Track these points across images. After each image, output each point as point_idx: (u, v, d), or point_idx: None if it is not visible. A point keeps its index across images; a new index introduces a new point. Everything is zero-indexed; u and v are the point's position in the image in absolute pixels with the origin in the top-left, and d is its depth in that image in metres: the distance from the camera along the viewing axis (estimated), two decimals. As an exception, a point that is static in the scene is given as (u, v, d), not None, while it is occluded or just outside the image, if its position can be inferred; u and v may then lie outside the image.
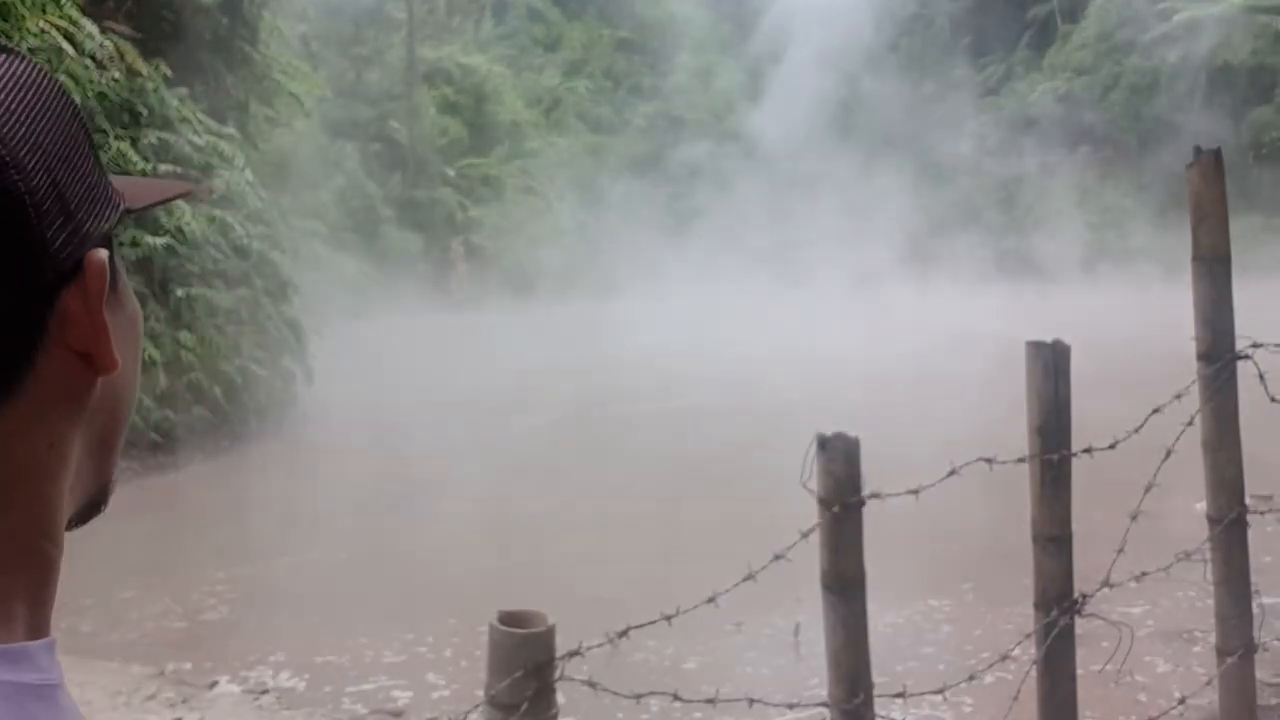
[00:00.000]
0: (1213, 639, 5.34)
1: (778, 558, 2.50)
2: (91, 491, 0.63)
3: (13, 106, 0.54)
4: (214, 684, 4.82)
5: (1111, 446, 2.84)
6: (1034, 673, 2.81)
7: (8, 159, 0.53)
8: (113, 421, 0.62)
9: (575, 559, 7.14)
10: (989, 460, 2.72)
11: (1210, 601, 5.91)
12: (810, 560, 2.61)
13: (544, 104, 38.95)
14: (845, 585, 2.61)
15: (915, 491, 2.66)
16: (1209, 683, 3.28)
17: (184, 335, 11.46)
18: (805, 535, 2.56)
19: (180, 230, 11.88)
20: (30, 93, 0.56)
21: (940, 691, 2.74)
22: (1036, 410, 2.80)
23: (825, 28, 38.25)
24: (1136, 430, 2.85)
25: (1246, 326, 2.99)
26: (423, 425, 12.64)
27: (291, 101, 18.52)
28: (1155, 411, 2.88)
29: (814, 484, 2.60)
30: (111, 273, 0.59)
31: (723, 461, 10.46)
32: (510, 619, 2.21)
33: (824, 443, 2.60)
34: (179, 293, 11.69)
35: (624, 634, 2.33)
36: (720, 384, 15.67)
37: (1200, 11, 32.78)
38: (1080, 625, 3.07)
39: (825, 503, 2.57)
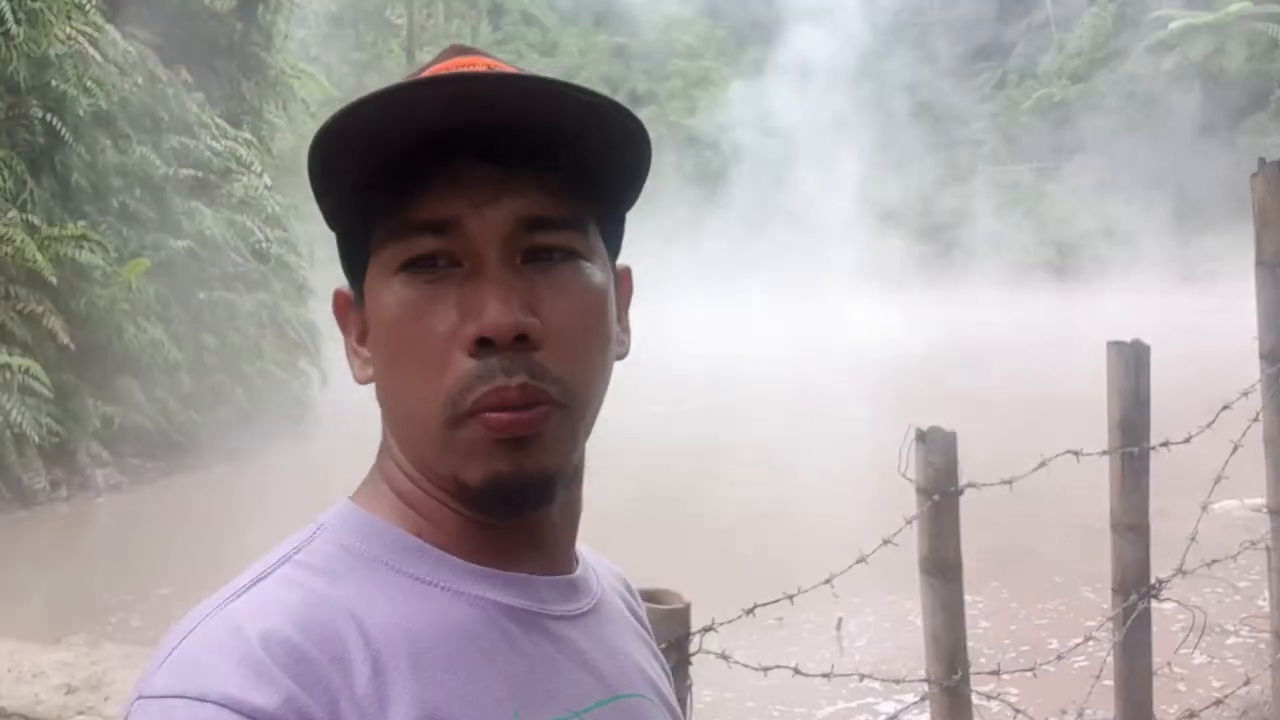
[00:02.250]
0: (1245, 633, 5.50)
1: (886, 542, 2.65)
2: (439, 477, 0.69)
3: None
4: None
5: (1186, 440, 3.01)
6: (1112, 655, 2.97)
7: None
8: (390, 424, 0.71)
9: (669, 544, 7.30)
10: (1076, 453, 2.88)
11: (1239, 598, 6.09)
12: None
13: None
14: (944, 569, 2.76)
15: (1009, 482, 2.82)
16: (1269, 668, 3.45)
17: (206, 338, 11.57)
18: (910, 522, 2.72)
19: (201, 234, 12.00)
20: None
21: (1031, 669, 2.89)
22: (1118, 406, 2.96)
23: (820, 36, 38.52)
24: (1209, 425, 3.01)
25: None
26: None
27: (301, 106, 18.65)
28: (1225, 408, 3.04)
29: (912, 473, 2.75)
30: (356, 291, 0.71)
31: (778, 456, 10.63)
32: (648, 596, 2.36)
33: (923, 436, 2.76)
34: (201, 296, 11.80)
35: (751, 611, 2.48)
36: (756, 384, 15.83)
37: (1195, 19, 33.13)
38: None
39: (925, 492, 2.73)
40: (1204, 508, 3.08)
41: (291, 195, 14.97)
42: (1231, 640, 5.45)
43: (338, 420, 13.02)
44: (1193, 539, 3.05)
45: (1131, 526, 2.98)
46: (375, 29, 35.95)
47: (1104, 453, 2.93)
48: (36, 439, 9.51)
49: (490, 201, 0.64)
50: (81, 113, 10.87)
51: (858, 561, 2.63)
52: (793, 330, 22.38)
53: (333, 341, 14.38)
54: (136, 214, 11.46)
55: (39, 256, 10.01)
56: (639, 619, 0.84)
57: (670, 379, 16.67)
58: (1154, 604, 2.98)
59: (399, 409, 0.68)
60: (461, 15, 42.31)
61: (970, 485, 2.76)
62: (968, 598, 6.13)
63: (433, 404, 0.64)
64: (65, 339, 10.10)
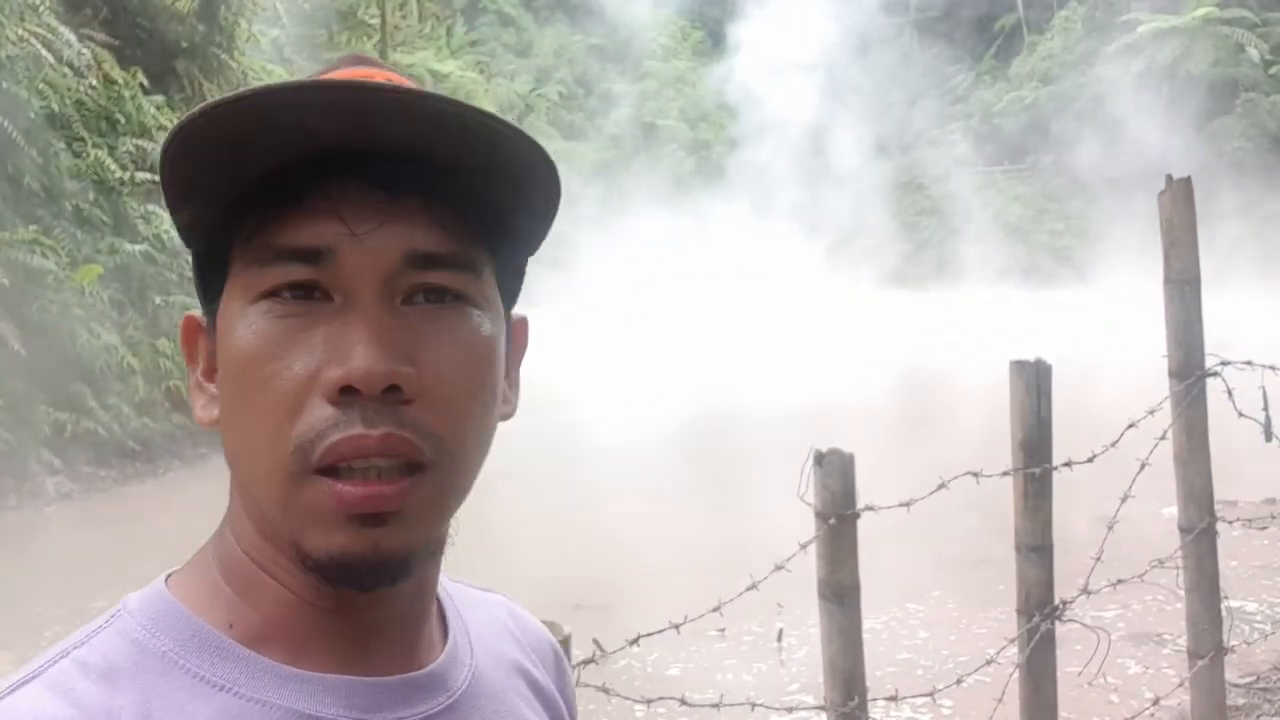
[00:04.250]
0: (1182, 642, 5.54)
1: (779, 568, 2.62)
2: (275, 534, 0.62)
3: None
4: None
5: (1090, 460, 3.00)
6: (1016, 676, 2.96)
7: None
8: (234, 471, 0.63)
9: (563, 565, 7.25)
10: (976, 474, 2.87)
11: (1179, 606, 6.13)
12: (794, 568, 2.73)
13: (516, 110, 39.01)
14: (841, 594, 2.74)
15: (907, 504, 2.80)
16: (1180, 684, 3.45)
17: (163, 343, 11.45)
18: (804, 547, 2.69)
19: (159, 238, 11.88)
20: None
21: (930, 694, 2.88)
22: (1020, 426, 2.95)
23: (795, 37, 38.62)
24: (1113, 444, 3.01)
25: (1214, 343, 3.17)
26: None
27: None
28: (1131, 426, 3.04)
29: (810, 497, 2.73)
30: (209, 318, 0.63)
31: (714, 472, 10.60)
32: (529, 628, 2.32)
33: (820, 458, 2.73)
34: (158, 300, 11.68)
35: (635, 641, 2.45)
36: (701, 396, 15.83)
37: (1163, 23, 33.40)
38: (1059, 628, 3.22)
39: (822, 515, 2.71)
40: (1109, 527, 3.08)
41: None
42: (1168, 650, 5.46)
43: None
44: (1097, 559, 3.04)
45: (1034, 547, 2.97)
46: (349, 29, 35.70)
47: (1005, 473, 2.92)
48: (-16, 446, 9.39)
49: (372, 231, 0.57)
50: (33, 115, 10.74)
51: (749, 588, 2.60)
52: (743, 343, 22.39)
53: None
54: (91, 218, 11.34)
55: (-12, 260, 9.90)
56: (549, 699, 0.73)
57: (649, 391, 16.65)
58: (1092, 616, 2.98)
59: (243, 457, 0.59)
60: (436, 15, 42.18)
61: (868, 508, 2.74)
62: (869, 621, 6.14)
63: (279, 453, 0.56)
64: (16, 345, 9.98)
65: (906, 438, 10.84)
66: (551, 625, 2.36)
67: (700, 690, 5.24)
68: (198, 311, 0.65)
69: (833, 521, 2.69)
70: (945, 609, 6.29)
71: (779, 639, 5.79)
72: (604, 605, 6.39)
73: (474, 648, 0.69)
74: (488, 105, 36.61)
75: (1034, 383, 2.93)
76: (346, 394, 0.55)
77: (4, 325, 10.03)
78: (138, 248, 11.56)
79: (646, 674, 5.46)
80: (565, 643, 2.36)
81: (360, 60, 0.64)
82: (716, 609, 2.56)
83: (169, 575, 0.63)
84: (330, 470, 0.56)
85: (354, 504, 0.56)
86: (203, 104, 0.55)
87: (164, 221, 12.07)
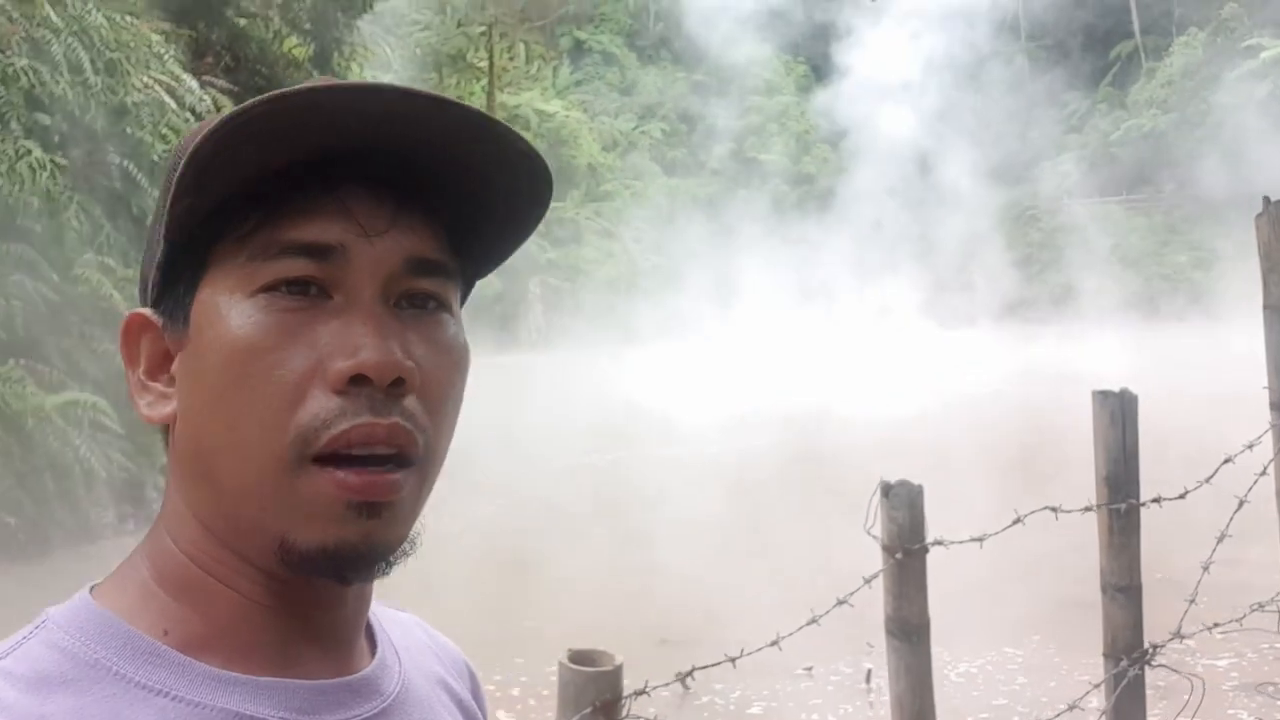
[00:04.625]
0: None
1: (840, 603, 2.54)
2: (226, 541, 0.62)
3: None
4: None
5: (1182, 496, 2.84)
6: (1103, 724, 2.80)
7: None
8: (194, 488, 0.62)
9: (641, 600, 7.20)
10: (1055, 509, 2.74)
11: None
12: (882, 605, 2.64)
13: (619, 148, 39.50)
14: (909, 631, 2.64)
15: (979, 540, 2.69)
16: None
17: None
18: (868, 581, 2.60)
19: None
20: None
21: (1006, 740, 2.74)
22: (1103, 459, 2.81)
23: (902, 67, 38.25)
24: (1208, 480, 2.84)
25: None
26: (503, 462, 12.83)
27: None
28: (1227, 461, 2.86)
29: (878, 530, 2.64)
30: (177, 309, 0.62)
31: (791, 504, 10.43)
32: (579, 657, 2.29)
33: (887, 490, 2.65)
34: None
35: (689, 674, 2.39)
36: (786, 425, 15.64)
37: (1288, 47, 32.05)
38: (1164, 676, 3.03)
39: (889, 549, 2.62)
40: (1205, 568, 2.89)
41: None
42: (1287, 702, 5.12)
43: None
44: (1191, 601, 2.86)
45: (1121, 588, 2.82)
46: (458, 72, 36.79)
47: (1086, 509, 2.78)
48: (105, 474, 9.81)
49: (382, 233, 0.59)
50: (156, 159, 11.28)
51: (809, 623, 2.52)
52: (855, 368, 22.03)
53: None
54: (207, 255, 11.83)
55: (115, 295, 10.39)
56: (469, 713, 0.74)
57: (740, 420, 16.55)
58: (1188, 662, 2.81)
59: (224, 451, 0.58)
60: (542, 56, 43.15)
61: (938, 543, 2.64)
62: (964, 665, 5.88)
63: (275, 443, 0.56)
64: (135, 376, 10.43)
65: (1004, 470, 10.48)
66: (601, 655, 2.33)
67: (782, 730, 5.13)
68: (143, 310, 0.64)
69: (899, 556, 2.60)
70: (1045, 654, 6.02)
71: (867, 680, 5.62)
72: (692, 640, 6.30)
73: (400, 658, 0.69)
74: (591, 143, 37.21)
75: (1118, 414, 2.78)
76: (355, 384, 0.56)
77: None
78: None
79: (729, 711, 5.36)
80: (615, 673, 2.32)
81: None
82: (774, 643, 2.48)
83: (93, 587, 0.63)
84: (329, 460, 0.57)
85: (358, 491, 0.56)
86: (268, 94, 0.55)
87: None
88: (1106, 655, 2.84)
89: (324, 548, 0.57)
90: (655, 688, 2.29)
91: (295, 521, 0.57)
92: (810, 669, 5.79)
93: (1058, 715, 2.81)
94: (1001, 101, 38.97)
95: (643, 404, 16.99)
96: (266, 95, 0.55)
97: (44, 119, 10.34)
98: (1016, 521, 2.69)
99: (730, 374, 21.43)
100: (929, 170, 36.73)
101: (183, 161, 0.57)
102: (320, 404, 0.56)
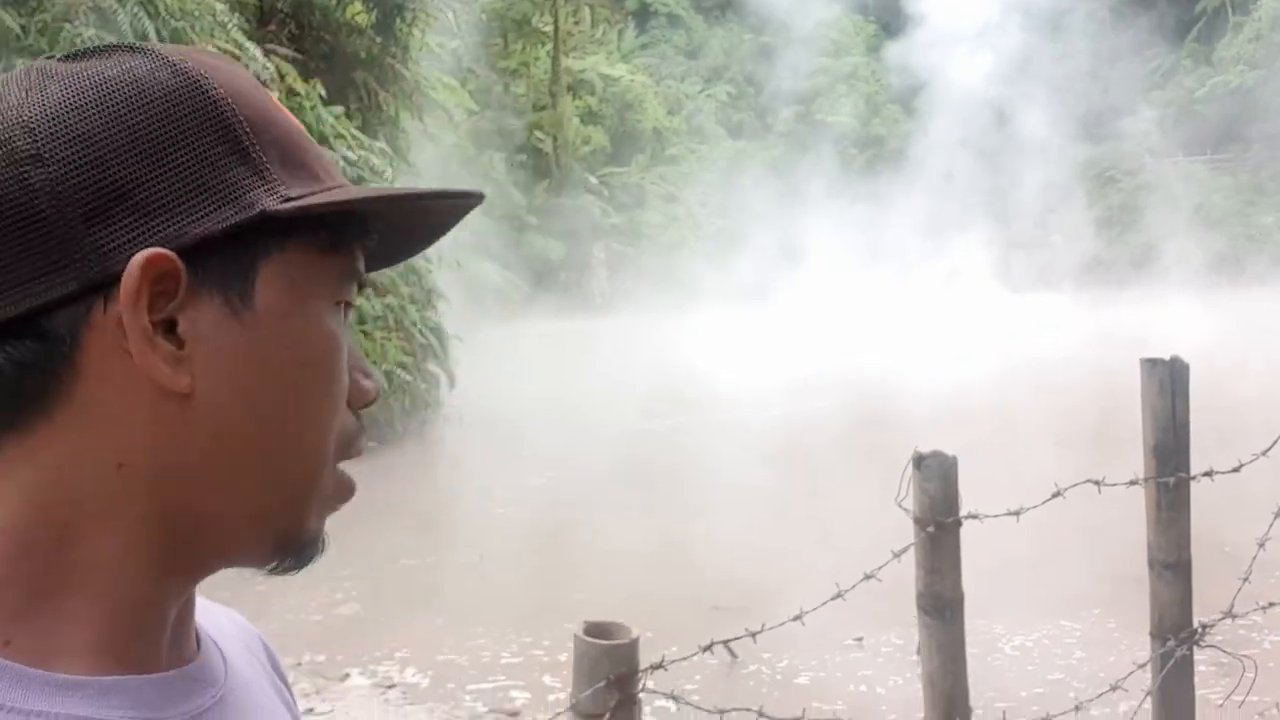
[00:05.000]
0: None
1: (868, 577, 2.47)
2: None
3: (71, 101, 0.53)
4: (346, 676, 5.05)
5: (1236, 469, 2.69)
6: (1148, 704, 2.69)
7: (30, 153, 0.51)
8: (201, 471, 0.56)
9: (695, 567, 7.16)
10: (1097, 482, 2.62)
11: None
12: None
13: (685, 111, 39.15)
14: (942, 607, 2.56)
15: (1016, 513, 2.58)
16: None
17: (366, 326, 12.03)
18: (898, 555, 2.52)
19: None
20: (107, 89, 0.54)
21: (1044, 720, 2.64)
22: (1151, 430, 2.68)
23: (975, 25, 37.21)
24: (1264, 453, 2.69)
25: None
26: (560, 430, 12.89)
27: (442, 115, 19.15)
28: (1286, 433, 2.71)
29: (909, 503, 2.56)
30: (238, 280, 0.55)
31: (851, 470, 10.29)
32: (595, 630, 2.26)
33: (919, 461, 2.56)
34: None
35: (708, 648, 2.35)
36: (849, 389, 15.45)
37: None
38: (1218, 656, 2.90)
39: (920, 522, 2.53)
40: (1260, 545, 2.75)
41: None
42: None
43: (465, 419, 13.35)
44: (1245, 579, 2.72)
45: (1168, 564, 2.69)
46: (523, 37, 36.69)
47: (1131, 483, 2.66)
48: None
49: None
50: (221, 127, 11.46)
51: (834, 597, 2.45)
52: (929, 331, 21.64)
53: (460, 344, 14.74)
54: (272, 222, 12.01)
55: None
56: (280, 682, 0.72)
57: (802, 383, 16.40)
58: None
59: (290, 440, 0.58)
60: (608, 20, 42.84)
61: (971, 516, 2.55)
62: (1019, 638, 5.70)
63: (328, 443, 0.59)
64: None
65: (1072, 439, 10.21)
66: (618, 627, 2.28)
67: (829, 701, 5.07)
68: (168, 253, 0.54)
69: (931, 529, 2.51)
70: (1105, 628, 5.86)
71: (918, 652, 5.52)
72: (742, 608, 6.26)
73: (217, 640, 0.65)
74: (656, 107, 36.93)
75: (1168, 383, 2.65)
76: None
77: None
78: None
79: (775, 681, 5.31)
80: (630, 646, 2.28)
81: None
82: (797, 618, 2.42)
83: None
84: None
85: (353, 488, 0.63)
86: (388, 193, 0.61)
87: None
88: (1153, 634, 2.72)
89: (319, 534, 0.61)
90: (673, 662, 2.25)
91: (315, 511, 0.60)
92: (861, 639, 5.72)
93: (1099, 695, 2.70)
94: (1082, 55, 37.69)
95: (704, 368, 16.93)
96: (431, 191, 0.61)
97: (111, 89, 10.55)
98: (1056, 495, 2.58)
99: (795, 337, 21.23)
100: (1004, 126, 35.76)
101: (355, 198, 0.60)
102: (349, 417, 0.61)
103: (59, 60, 0.56)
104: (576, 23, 40.55)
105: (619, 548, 7.68)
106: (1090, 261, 32.97)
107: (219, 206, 0.54)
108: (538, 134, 33.26)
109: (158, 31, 10.82)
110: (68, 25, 9.98)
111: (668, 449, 12.08)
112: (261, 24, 13.73)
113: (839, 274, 29.88)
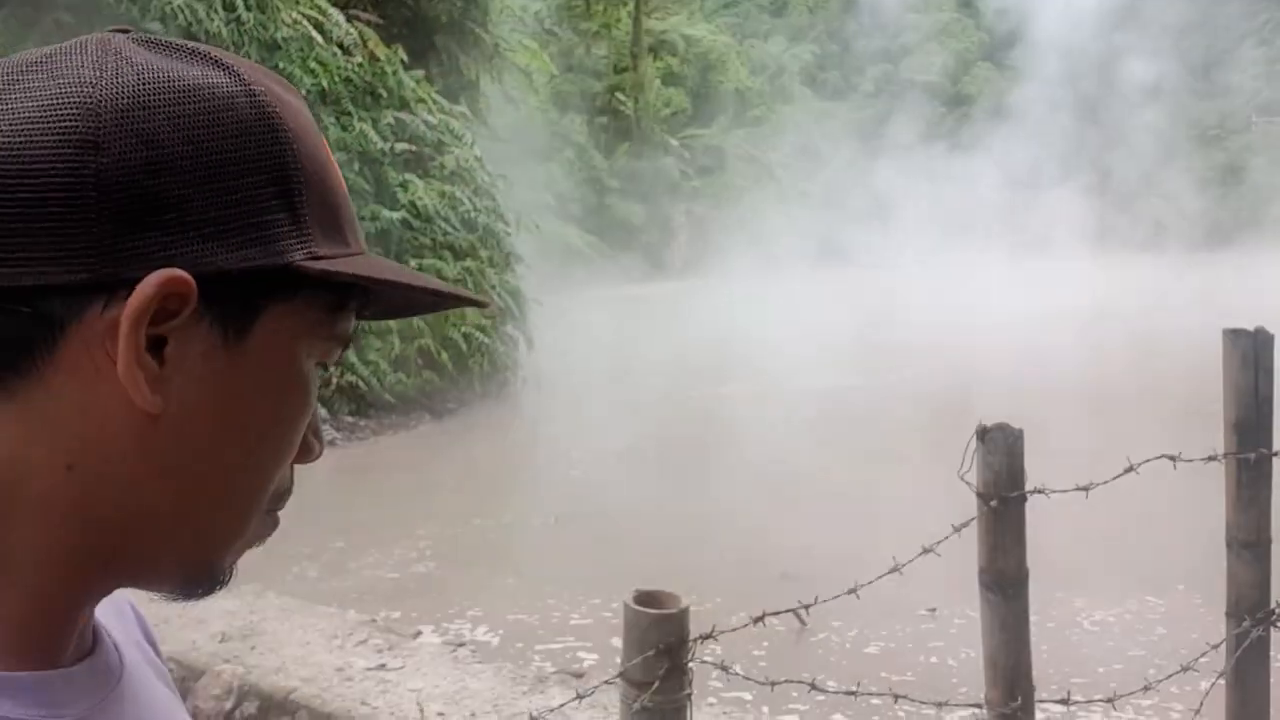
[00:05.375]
0: None
1: (926, 551, 2.42)
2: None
3: (143, 97, 0.52)
4: (418, 634, 5.16)
5: (1327, 447, 2.57)
6: (1218, 688, 2.60)
7: (90, 138, 0.50)
8: (144, 492, 0.54)
9: (763, 534, 7.14)
10: (1173, 458, 2.52)
11: None
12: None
13: (769, 71, 38.56)
14: (1005, 584, 2.49)
15: (1085, 489, 2.50)
16: None
17: (416, 304, 12.17)
18: (958, 530, 2.47)
19: (414, 205, 12.63)
20: (183, 97, 0.53)
21: (1110, 700, 2.57)
22: (1233, 404, 2.57)
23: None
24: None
25: None
26: (639, 392, 12.93)
27: (522, 78, 19.17)
28: (1380, 409, 2.58)
29: (972, 476, 2.49)
30: (240, 317, 0.55)
31: (929, 440, 10.12)
32: (646, 599, 2.25)
33: (983, 434, 2.49)
34: (412, 263, 12.43)
35: (759, 620, 2.33)
36: (930, 355, 15.17)
37: None
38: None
39: (983, 497, 2.47)
40: (1348, 526, 2.63)
41: (501, 166, 15.48)
42: None
43: (542, 382, 13.48)
44: (1328, 562, 2.61)
45: (1247, 543, 2.59)
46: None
47: (1211, 458, 2.55)
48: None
49: None
50: (306, 92, 11.63)
51: (890, 571, 2.41)
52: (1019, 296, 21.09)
53: (539, 307, 14.85)
54: (355, 187, 12.17)
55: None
56: (150, 650, 0.71)
57: (880, 350, 16.17)
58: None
59: (242, 475, 0.58)
60: (691, -20, 42.31)
61: (1038, 490, 2.47)
62: (1101, 613, 5.52)
63: (266, 494, 0.60)
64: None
65: (1164, 412, 9.88)
66: (669, 596, 2.28)
67: (898, 671, 5.02)
68: (186, 276, 0.53)
69: (994, 504, 2.44)
70: (1190, 604, 5.68)
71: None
72: (811, 576, 6.23)
73: (107, 627, 0.64)
74: (739, 68, 36.43)
75: (1250, 355, 2.53)
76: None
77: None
78: (395, 214, 12.32)
79: (844, 650, 5.28)
80: (681, 615, 2.28)
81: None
82: (852, 590, 2.38)
83: None
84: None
85: (273, 530, 0.63)
86: (407, 279, 0.61)
87: (419, 189, 12.82)
88: (1229, 614, 2.63)
89: (231, 570, 0.61)
90: (723, 632, 2.24)
91: (235, 550, 0.60)
92: (934, 610, 5.64)
93: (1169, 676, 2.62)
94: (1187, 9, 36.08)
95: (783, 335, 16.77)
96: (448, 291, 0.63)
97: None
98: (1129, 470, 2.49)
99: (879, 303, 20.90)
100: (1101, 84, 34.49)
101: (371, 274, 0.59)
102: (288, 470, 0.61)
103: (137, 43, 0.54)
104: (659, -17, 40.18)
105: (691, 512, 7.69)
106: (1190, 224, 31.75)
107: (250, 245, 0.54)
108: (619, 96, 33.10)
109: (244, -1, 11.01)
110: (158, -8, 10.21)
111: (745, 416, 12.02)
112: (345, -11, 13.86)
113: (925, 238, 29.27)
